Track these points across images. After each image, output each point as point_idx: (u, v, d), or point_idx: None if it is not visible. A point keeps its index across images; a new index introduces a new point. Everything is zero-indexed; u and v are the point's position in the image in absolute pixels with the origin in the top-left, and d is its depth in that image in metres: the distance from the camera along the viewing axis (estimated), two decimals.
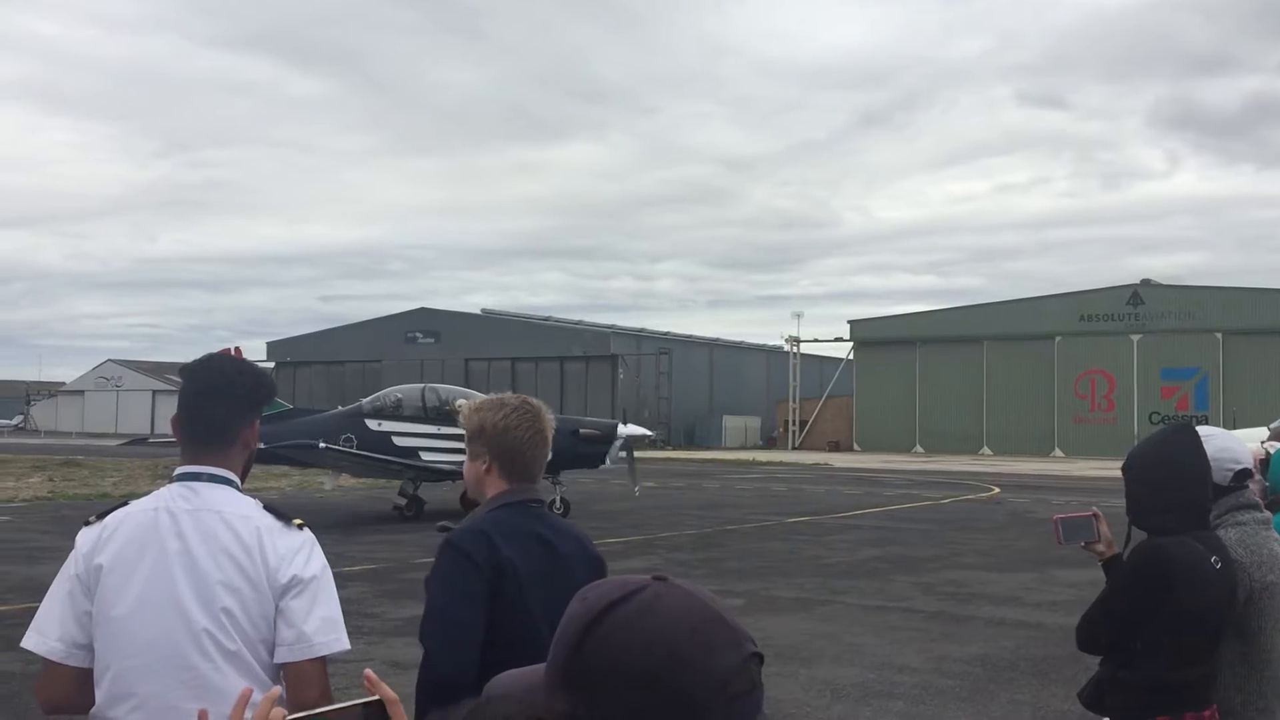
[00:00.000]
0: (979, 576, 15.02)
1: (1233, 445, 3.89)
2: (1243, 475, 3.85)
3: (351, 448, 22.70)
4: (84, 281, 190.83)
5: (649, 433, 27.11)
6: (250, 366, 3.07)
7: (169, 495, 2.80)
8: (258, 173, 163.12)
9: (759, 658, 1.29)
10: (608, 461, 23.48)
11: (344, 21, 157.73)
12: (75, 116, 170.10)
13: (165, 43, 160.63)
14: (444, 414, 22.97)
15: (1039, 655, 9.88)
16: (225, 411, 2.90)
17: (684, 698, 1.22)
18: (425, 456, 22.90)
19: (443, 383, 35.81)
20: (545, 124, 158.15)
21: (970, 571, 15.52)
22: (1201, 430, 3.83)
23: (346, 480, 27.24)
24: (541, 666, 1.36)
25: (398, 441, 22.85)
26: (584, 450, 22.95)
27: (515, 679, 1.42)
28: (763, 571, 15.52)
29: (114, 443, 58.96)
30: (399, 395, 24.23)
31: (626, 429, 23.71)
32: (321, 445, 21.67)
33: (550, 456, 3.33)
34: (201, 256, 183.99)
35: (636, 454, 24.94)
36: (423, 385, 25.53)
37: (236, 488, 2.86)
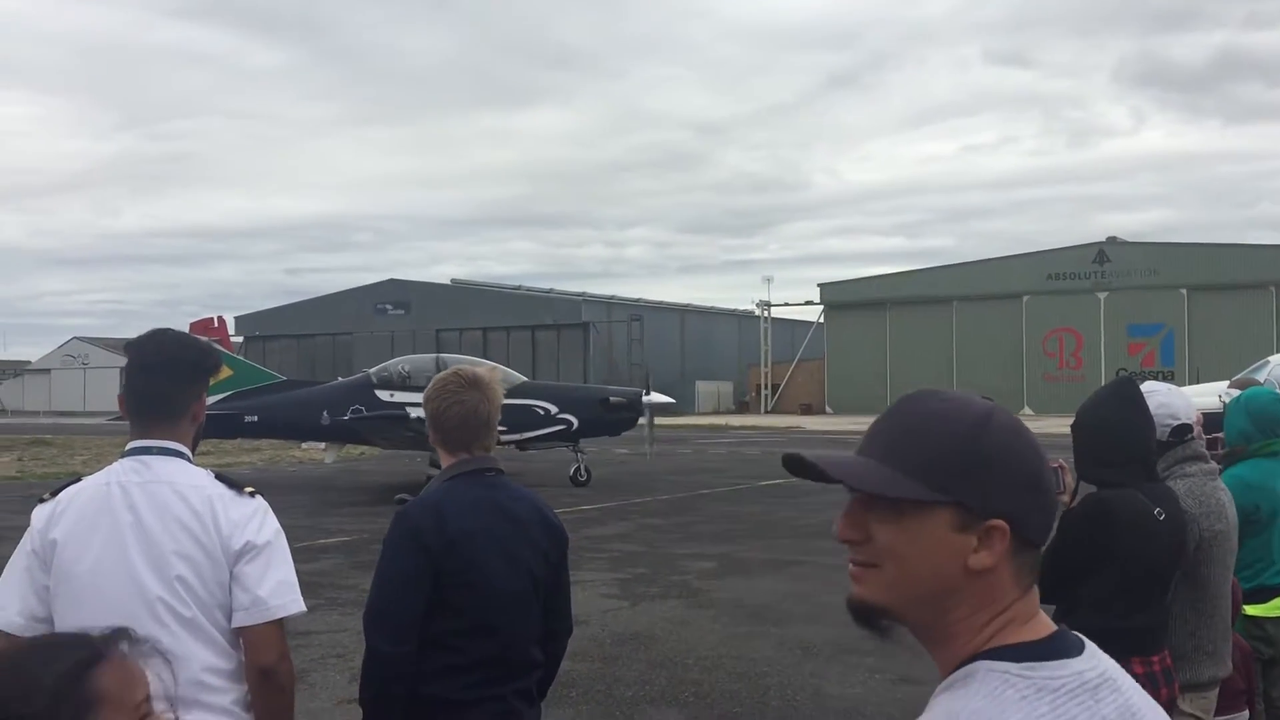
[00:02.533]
0: None
1: (1171, 401, 3.97)
2: (1180, 431, 3.94)
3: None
4: (47, 258, 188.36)
5: (671, 400, 27.68)
6: (195, 340, 3.11)
7: (120, 469, 2.86)
8: (220, 145, 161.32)
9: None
10: (643, 426, 24.15)
11: None
12: (32, 90, 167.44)
13: (122, 14, 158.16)
14: None
15: None
16: (173, 385, 2.95)
17: (1048, 506, 1.36)
18: None
19: (413, 354, 35.68)
20: (512, 90, 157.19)
21: None
22: (1144, 386, 3.91)
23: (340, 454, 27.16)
24: (869, 462, 1.37)
25: (413, 412, 22.33)
26: (611, 418, 23.53)
27: (847, 457, 1.42)
28: (735, 534, 15.67)
29: (83, 421, 58.49)
30: (407, 366, 24.03)
31: (650, 397, 24.27)
32: (413, 416, 21.37)
33: (497, 422, 3.36)
34: (165, 231, 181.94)
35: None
36: (435, 355, 25.68)
37: (187, 459, 2.91)
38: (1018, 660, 1.27)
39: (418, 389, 22.87)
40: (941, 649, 1.35)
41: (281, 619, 2.84)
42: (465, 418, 3.23)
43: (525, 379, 24.81)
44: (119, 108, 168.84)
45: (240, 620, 2.79)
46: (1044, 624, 1.34)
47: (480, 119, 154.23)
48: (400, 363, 24.49)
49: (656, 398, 24.90)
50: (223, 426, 23.06)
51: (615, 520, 17.33)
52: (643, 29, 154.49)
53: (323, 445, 32.17)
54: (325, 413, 22.41)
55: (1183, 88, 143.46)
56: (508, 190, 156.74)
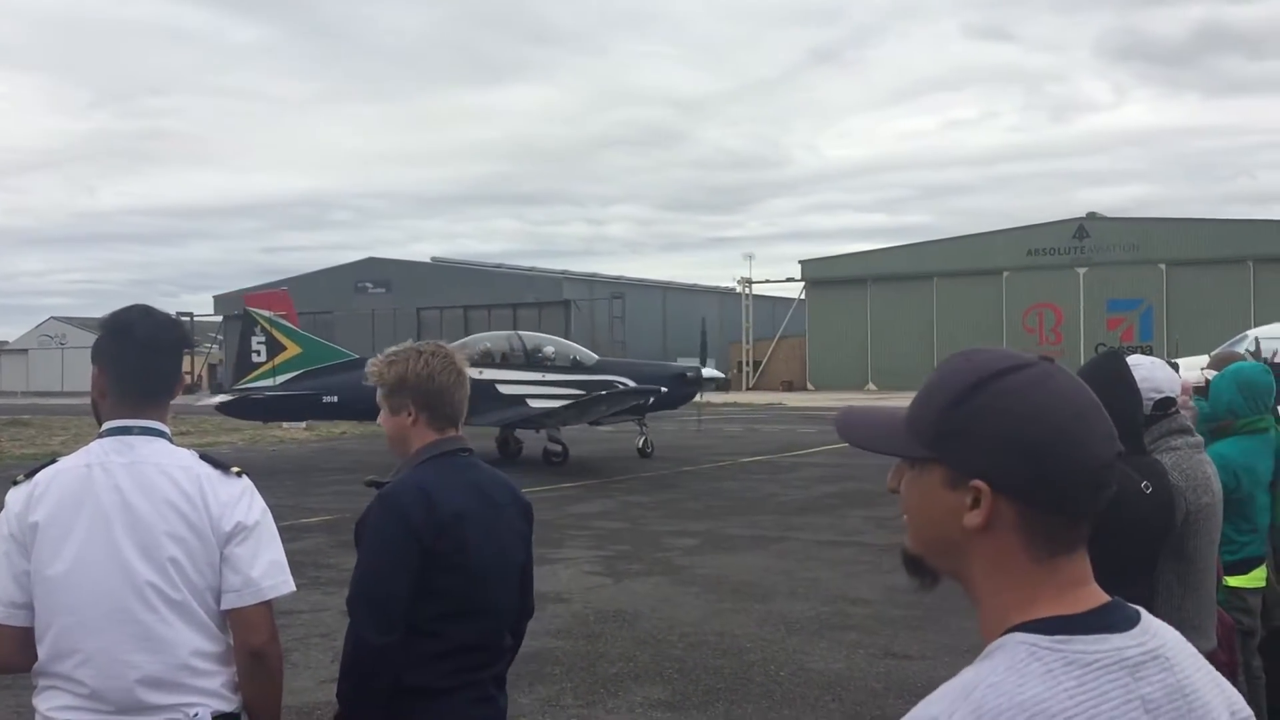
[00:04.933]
0: None
1: (1154, 374, 3.98)
2: (1164, 404, 3.95)
3: None
4: (22, 238, 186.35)
5: (723, 375, 28.17)
6: (173, 317, 3.06)
7: (100, 450, 2.80)
8: (198, 122, 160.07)
9: (1122, 457, 1.33)
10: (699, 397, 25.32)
11: None
12: (4, 68, 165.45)
13: None
14: (536, 360, 23.45)
15: None
16: (169, 363, 2.91)
17: (1057, 475, 1.27)
18: (532, 403, 22.77)
19: (394, 333, 35.51)
20: (494, 67, 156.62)
21: None
22: (1128, 360, 3.91)
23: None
24: (897, 409, 1.42)
25: (502, 390, 22.70)
26: (680, 393, 24.23)
27: (869, 416, 1.45)
28: (719, 511, 15.70)
29: (61, 401, 57.96)
30: (487, 344, 24.00)
31: (706, 371, 25.02)
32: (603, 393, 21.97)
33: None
34: (142, 209, 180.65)
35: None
36: (508, 333, 25.67)
37: (169, 439, 2.86)
38: (1050, 633, 1.23)
39: (508, 367, 22.97)
40: (980, 614, 1.34)
41: (271, 600, 2.81)
42: (465, 389, 3.19)
43: (598, 357, 24.94)
44: (94, 85, 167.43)
45: (231, 602, 2.76)
46: (1089, 596, 1.29)
47: (461, 96, 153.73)
48: (480, 340, 24.47)
49: (710, 371, 25.71)
50: (299, 407, 22.79)
51: (598, 498, 17.33)
52: (625, 5, 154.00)
53: (303, 425, 32.01)
54: (660, 392, 22.31)
55: (1163, 62, 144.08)
56: (488, 168, 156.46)
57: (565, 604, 9.81)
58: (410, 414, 3.15)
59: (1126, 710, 1.20)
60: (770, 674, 7.58)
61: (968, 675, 1.24)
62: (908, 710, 1.27)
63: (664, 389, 22.97)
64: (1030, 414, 1.28)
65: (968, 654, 8.17)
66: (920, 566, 1.38)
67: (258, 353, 22.73)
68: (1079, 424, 1.28)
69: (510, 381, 22.69)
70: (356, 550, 3.09)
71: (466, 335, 50.91)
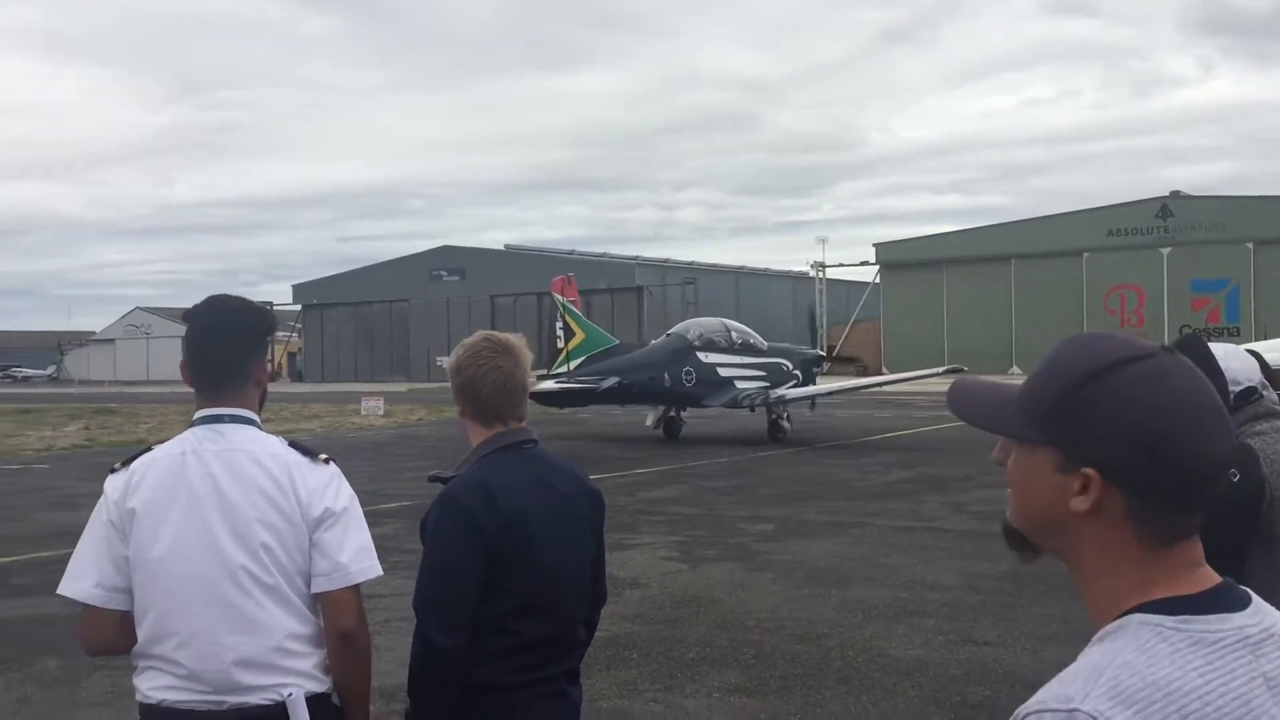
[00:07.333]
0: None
1: (1233, 365, 3.87)
2: (1245, 395, 3.85)
3: (692, 380, 24.21)
4: (105, 229, 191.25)
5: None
6: (253, 304, 3.11)
7: (194, 438, 2.87)
8: (272, 113, 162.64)
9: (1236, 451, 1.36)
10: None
11: None
12: (83, 63, 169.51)
13: None
14: (735, 344, 25.49)
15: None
16: (239, 350, 2.96)
17: (1172, 470, 1.28)
18: (739, 385, 24.85)
19: (469, 320, 36.12)
20: (562, 53, 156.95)
21: (999, 489, 15.30)
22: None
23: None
24: (1007, 386, 1.44)
25: (722, 372, 24.78)
26: (815, 373, 27.19)
27: (980, 392, 1.47)
28: (794, 496, 15.65)
29: (147, 390, 59.46)
30: (700, 329, 25.82)
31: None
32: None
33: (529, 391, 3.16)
34: (220, 201, 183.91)
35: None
36: (717, 320, 27.48)
37: (258, 426, 2.93)
38: (1173, 614, 1.26)
39: (717, 351, 24.86)
40: (1086, 598, 1.36)
41: (359, 583, 2.87)
42: (504, 385, 3.07)
43: (767, 342, 26.65)
44: (170, 78, 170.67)
45: (321, 585, 2.82)
46: (1204, 578, 1.31)
47: (530, 82, 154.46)
48: (693, 325, 26.14)
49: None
50: (585, 394, 23.52)
51: (672, 483, 17.37)
52: None
53: (381, 411, 32.56)
54: (666, 375, 23.75)
55: (1250, 34, 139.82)
56: (558, 154, 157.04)
57: (641, 589, 9.86)
58: (463, 409, 3.15)
59: (1252, 687, 1.23)
60: (848, 660, 7.56)
61: (1094, 656, 1.26)
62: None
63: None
64: (1147, 407, 1.29)
65: (1049, 641, 8.07)
66: (1021, 540, 1.41)
67: (559, 338, 24.05)
68: (1195, 419, 1.29)
69: (725, 365, 24.80)
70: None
71: (539, 323, 51.13)
